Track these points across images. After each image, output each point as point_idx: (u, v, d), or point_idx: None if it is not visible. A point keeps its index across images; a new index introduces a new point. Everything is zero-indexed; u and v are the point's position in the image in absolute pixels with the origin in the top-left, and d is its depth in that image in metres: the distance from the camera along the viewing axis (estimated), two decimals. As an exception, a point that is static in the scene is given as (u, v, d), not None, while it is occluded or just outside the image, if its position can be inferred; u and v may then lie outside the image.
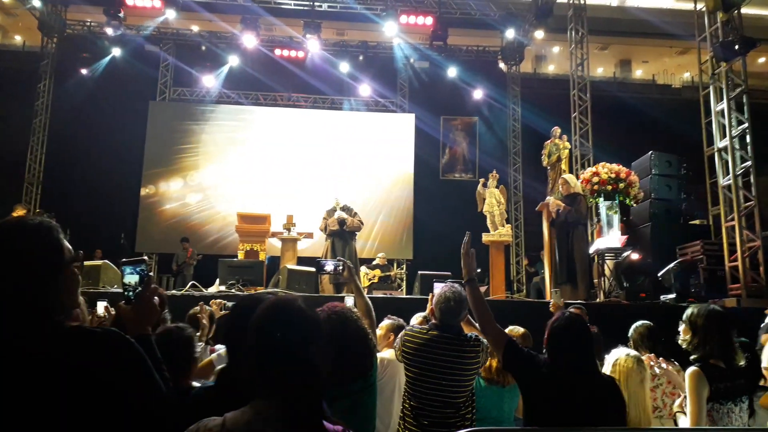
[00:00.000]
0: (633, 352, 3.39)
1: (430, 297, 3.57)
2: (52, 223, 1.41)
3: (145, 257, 1.78)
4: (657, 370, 3.30)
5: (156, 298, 1.62)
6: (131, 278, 1.66)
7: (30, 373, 1.22)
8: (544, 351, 2.58)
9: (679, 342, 2.94)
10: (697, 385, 2.61)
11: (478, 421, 3.23)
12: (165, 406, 1.39)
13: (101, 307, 3.61)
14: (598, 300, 7.51)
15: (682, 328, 2.87)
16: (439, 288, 3.39)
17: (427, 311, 3.58)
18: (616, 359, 3.19)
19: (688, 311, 2.86)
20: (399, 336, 3.18)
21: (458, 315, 3.03)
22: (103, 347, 1.32)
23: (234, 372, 1.68)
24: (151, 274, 1.68)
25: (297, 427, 1.31)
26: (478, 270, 11.59)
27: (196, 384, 2.18)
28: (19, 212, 8.87)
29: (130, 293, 1.63)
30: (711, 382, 2.61)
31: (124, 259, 1.70)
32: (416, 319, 3.75)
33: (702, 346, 2.72)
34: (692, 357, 2.77)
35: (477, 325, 2.84)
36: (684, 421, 2.77)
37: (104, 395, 1.26)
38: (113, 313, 3.40)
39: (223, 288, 7.17)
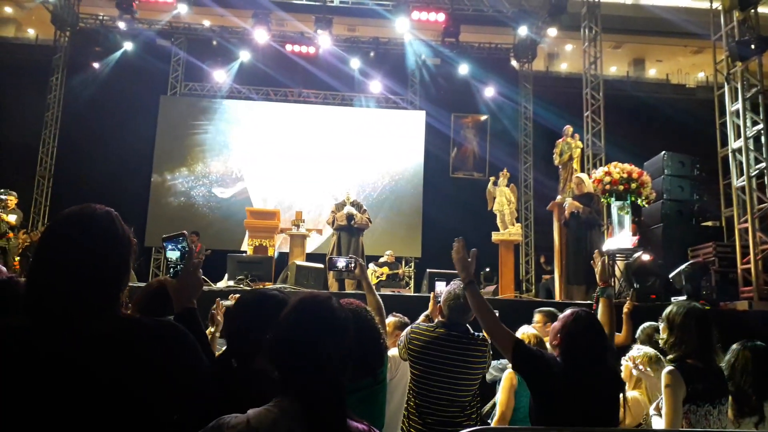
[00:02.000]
0: (651, 351, 3.36)
1: (431, 296, 3.56)
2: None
3: (185, 231, 1.79)
4: (634, 372, 3.26)
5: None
6: (172, 254, 1.69)
7: (96, 359, 1.25)
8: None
9: (658, 341, 2.88)
10: (672, 385, 2.53)
11: (518, 421, 3.21)
12: (209, 384, 1.44)
13: None
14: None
15: (661, 326, 2.79)
16: (440, 286, 3.37)
17: (429, 310, 3.55)
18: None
19: (667, 309, 2.77)
20: (404, 333, 3.15)
21: (467, 312, 3.00)
22: (160, 337, 1.34)
23: (226, 364, 1.73)
24: (193, 246, 1.71)
25: (322, 425, 1.30)
26: (487, 269, 11.58)
27: None
28: None
29: (173, 268, 1.67)
30: (688, 383, 2.52)
31: (164, 235, 1.71)
32: (421, 318, 3.74)
33: (679, 345, 2.64)
34: (669, 357, 2.69)
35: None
36: (658, 423, 2.68)
37: (159, 381, 1.30)
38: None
39: (231, 283, 7.18)
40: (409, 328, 3.17)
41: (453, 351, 2.93)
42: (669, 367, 2.59)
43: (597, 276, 2.91)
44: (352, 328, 1.46)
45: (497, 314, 4.24)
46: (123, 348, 1.28)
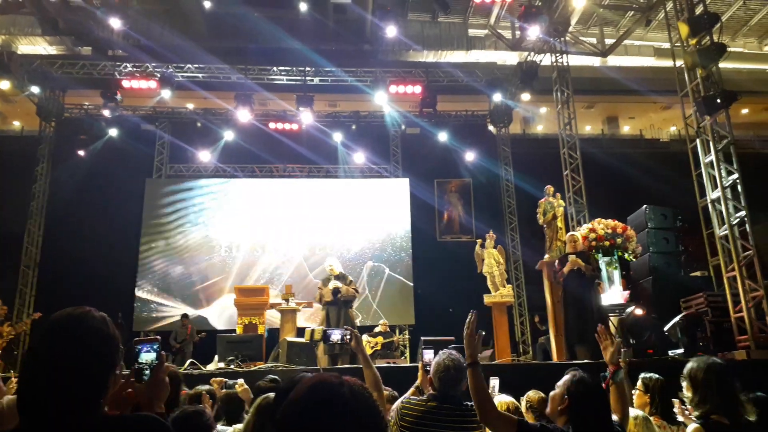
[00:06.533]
0: (641, 413, 3.31)
1: (420, 366, 3.43)
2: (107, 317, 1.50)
3: (159, 337, 1.78)
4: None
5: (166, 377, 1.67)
6: (148, 356, 1.67)
7: None
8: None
9: (685, 400, 2.84)
10: None
11: None
12: None
13: None
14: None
15: (684, 385, 2.73)
16: (428, 355, 3.27)
17: (419, 381, 3.44)
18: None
19: (688, 366, 2.73)
20: (394, 408, 3.03)
21: (459, 383, 2.92)
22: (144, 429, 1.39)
23: None
24: (163, 351, 1.70)
25: None
26: (482, 333, 11.44)
27: None
28: None
29: (146, 371, 1.64)
30: None
31: (136, 339, 1.70)
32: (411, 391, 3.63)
33: (703, 402, 2.59)
34: (694, 414, 2.64)
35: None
36: None
37: None
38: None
39: (222, 365, 7.01)
40: (399, 402, 3.06)
41: (447, 424, 2.84)
42: (694, 425, 2.54)
43: (607, 357, 2.87)
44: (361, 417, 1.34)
45: (498, 381, 4.20)
46: None
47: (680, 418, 3.25)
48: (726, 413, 2.55)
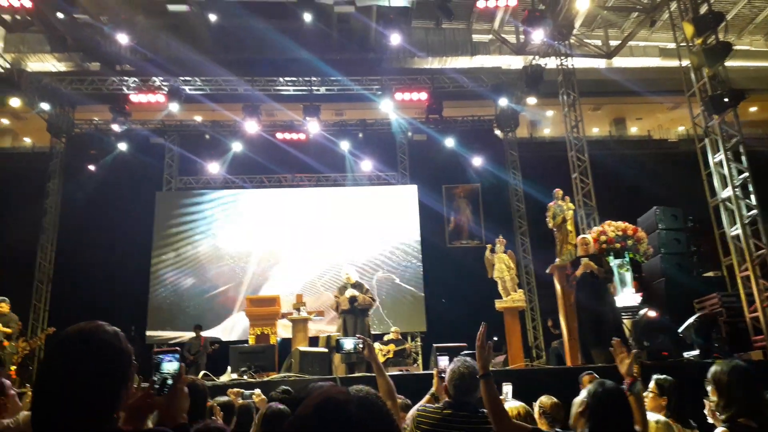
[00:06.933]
0: (662, 418, 3.27)
1: (435, 373, 3.43)
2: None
3: (179, 348, 1.80)
4: None
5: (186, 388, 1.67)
6: (170, 366, 1.68)
7: None
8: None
9: (710, 405, 2.81)
10: None
11: None
12: None
13: None
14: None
15: (709, 389, 2.70)
16: (443, 362, 3.27)
17: (434, 388, 3.43)
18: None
19: (712, 370, 2.70)
20: (409, 417, 3.03)
21: (474, 391, 2.91)
22: None
23: None
24: (182, 363, 1.71)
25: None
26: (495, 339, 11.37)
27: None
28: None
29: (169, 381, 1.65)
30: None
31: (156, 349, 1.72)
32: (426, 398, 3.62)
33: (729, 406, 2.55)
34: (721, 418, 2.61)
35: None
36: None
37: None
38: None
39: (234, 375, 7.02)
40: (414, 410, 3.06)
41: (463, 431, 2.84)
42: (721, 429, 2.52)
43: (623, 369, 2.85)
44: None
45: (511, 387, 4.18)
46: None
47: (711, 420, 3.21)
48: (753, 416, 2.52)
